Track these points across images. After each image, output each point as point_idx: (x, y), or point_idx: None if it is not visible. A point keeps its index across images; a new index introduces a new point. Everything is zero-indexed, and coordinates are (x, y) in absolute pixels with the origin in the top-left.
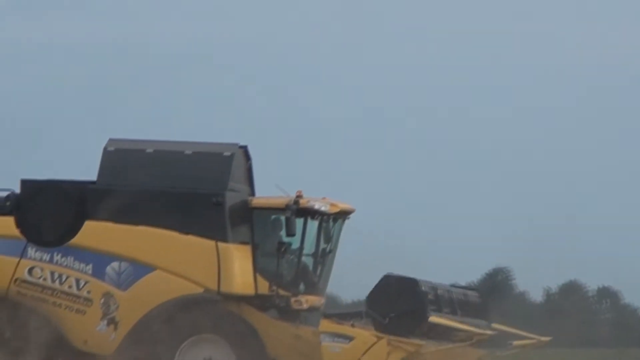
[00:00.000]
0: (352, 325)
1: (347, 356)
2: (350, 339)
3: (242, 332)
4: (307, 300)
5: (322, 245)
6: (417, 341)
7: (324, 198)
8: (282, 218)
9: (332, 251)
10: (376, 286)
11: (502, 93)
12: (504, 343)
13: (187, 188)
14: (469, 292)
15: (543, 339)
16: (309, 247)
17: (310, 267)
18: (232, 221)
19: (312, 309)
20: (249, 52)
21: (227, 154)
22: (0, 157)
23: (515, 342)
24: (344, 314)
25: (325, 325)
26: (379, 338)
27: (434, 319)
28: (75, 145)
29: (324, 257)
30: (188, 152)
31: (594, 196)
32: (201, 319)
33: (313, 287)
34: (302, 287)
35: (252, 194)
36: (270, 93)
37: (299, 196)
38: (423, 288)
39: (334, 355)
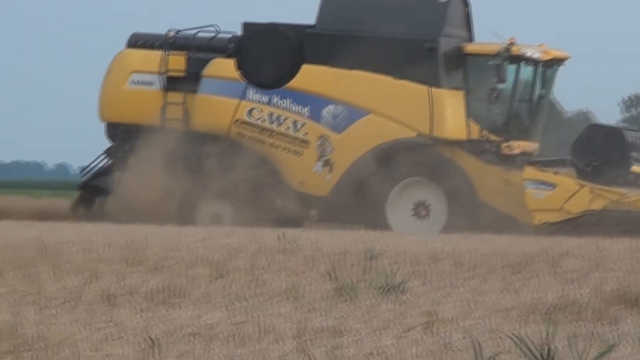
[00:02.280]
0: (556, 173)
1: (551, 203)
2: (553, 186)
3: (454, 176)
4: (518, 146)
5: (536, 91)
6: (619, 189)
7: (541, 45)
8: (495, 64)
9: (546, 97)
10: (581, 135)
11: None
12: None
13: (402, 34)
14: None
15: None
16: (521, 93)
17: (523, 114)
18: (445, 67)
19: (524, 155)
20: None
21: (443, 0)
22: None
23: None
24: (548, 160)
25: (529, 172)
26: (582, 186)
27: (636, 168)
28: None
29: (537, 103)
30: None
31: None
32: (414, 162)
33: (525, 133)
34: (514, 132)
35: (471, 40)
36: None
37: (511, 43)
38: (628, 137)
39: (538, 202)
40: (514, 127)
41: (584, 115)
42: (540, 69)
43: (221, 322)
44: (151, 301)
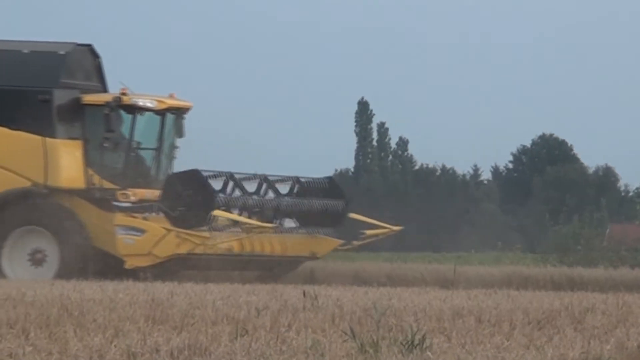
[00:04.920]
0: (145, 219)
1: (140, 248)
2: (143, 231)
3: (67, 224)
4: (134, 194)
5: (158, 140)
6: (203, 233)
7: (171, 95)
8: (105, 114)
9: (165, 146)
10: (167, 180)
11: None
12: (357, 232)
13: (19, 86)
14: (306, 180)
15: (395, 228)
16: (142, 142)
17: (144, 162)
18: (61, 118)
19: (143, 202)
20: None
21: (61, 52)
22: None
23: (368, 232)
24: (139, 207)
25: (120, 218)
26: (169, 231)
27: (218, 212)
28: None
29: (160, 151)
30: (26, 50)
31: None
32: (29, 211)
33: (146, 181)
34: (133, 180)
35: (104, 90)
36: None
37: (123, 93)
38: (210, 182)
39: (128, 247)
40: (132, 175)
41: (605, 171)
42: (168, 118)
43: None
44: (175, 359)
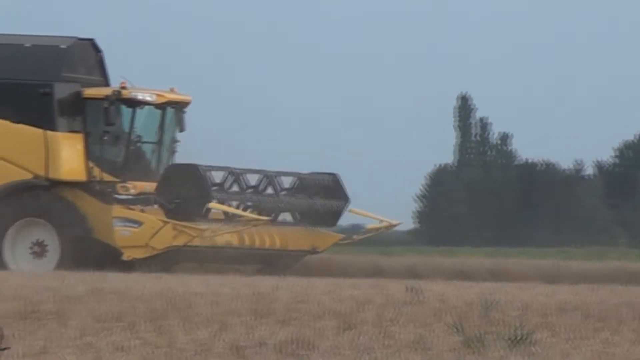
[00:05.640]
0: (142, 211)
1: (137, 239)
2: (139, 223)
3: (68, 216)
4: (135, 187)
5: (158, 133)
6: (199, 225)
7: (172, 89)
8: (105, 107)
9: (166, 139)
10: (164, 173)
11: None
12: (358, 227)
13: (21, 79)
14: (308, 176)
15: (394, 222)
16: (142, 135)
17: (145, 155)
18: (61, 111)
19: (143, 195)
20: None
21: (63, 46)
22: None
23: (369, 226)
24: (136, 199)
25: (117, 210)
26: (165, 223)
27: (213, 205)
28: None
29: (160, 145)
30: (27, 44)
31: None
32: (30, 203)
33: (147, 174)
34: (132, 173)
35: (106, 84)
36: None
37: (122, 87)
38: (207, 175)
39: (125, 239)
40: (132, 168)
41: None
42: (169, 112)
43: None
44: (280, 353)
